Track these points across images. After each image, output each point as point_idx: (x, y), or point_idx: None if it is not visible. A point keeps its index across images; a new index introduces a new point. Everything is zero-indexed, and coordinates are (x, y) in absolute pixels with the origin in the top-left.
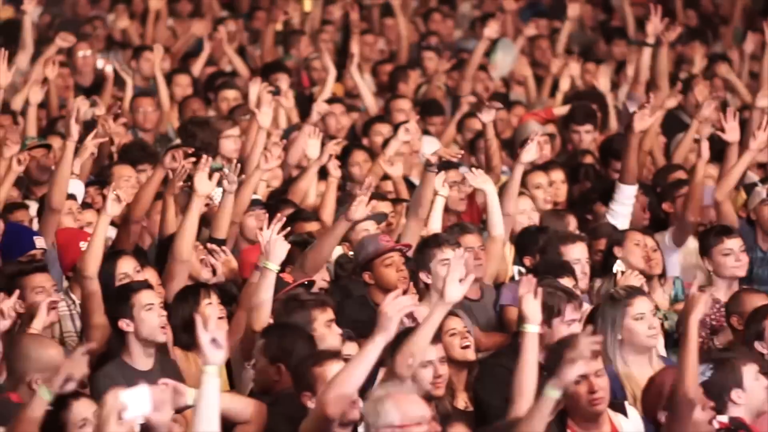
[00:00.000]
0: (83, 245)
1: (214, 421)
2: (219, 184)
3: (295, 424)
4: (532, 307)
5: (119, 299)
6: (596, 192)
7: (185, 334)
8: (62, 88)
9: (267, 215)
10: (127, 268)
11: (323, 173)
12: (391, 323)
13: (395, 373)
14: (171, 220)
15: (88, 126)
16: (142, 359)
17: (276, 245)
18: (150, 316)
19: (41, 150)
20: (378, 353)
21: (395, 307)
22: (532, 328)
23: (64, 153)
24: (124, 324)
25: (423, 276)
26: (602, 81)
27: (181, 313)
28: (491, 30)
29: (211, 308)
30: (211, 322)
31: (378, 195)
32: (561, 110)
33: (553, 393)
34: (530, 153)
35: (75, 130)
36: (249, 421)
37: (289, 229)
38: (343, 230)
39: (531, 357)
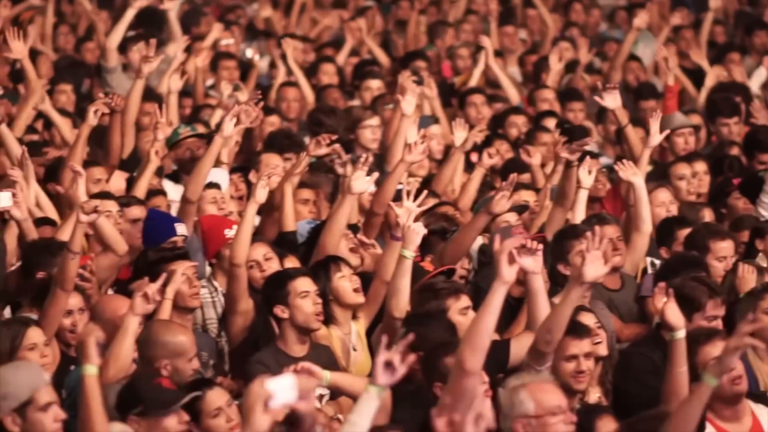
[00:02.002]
0: (228, 233)
1: None
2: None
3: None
4: (675, 314)
5: (275, 286)
6: (731, 184)
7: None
8: (229, 81)
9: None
10: (257, 255)
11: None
12: (502, 265)
13: (537, 350)
14: (288, 213)
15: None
16: (296, 346)
17: (412, 232)
18: (305, 303)
19: (194, 140)
20: (501, 300)
21: (507, 246)
22: (681, 334)
23: (211, 146)
24: (280, 311)
25: (561, 267)
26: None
27: None
28: (641, 20)
29: (344, 281)
30: (396, 350)
31: (521, 185)
32: (672, 78)
33: (712, 381)
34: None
35: (229, 127)
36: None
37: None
38: (484, 223)
39: (683, 365)
